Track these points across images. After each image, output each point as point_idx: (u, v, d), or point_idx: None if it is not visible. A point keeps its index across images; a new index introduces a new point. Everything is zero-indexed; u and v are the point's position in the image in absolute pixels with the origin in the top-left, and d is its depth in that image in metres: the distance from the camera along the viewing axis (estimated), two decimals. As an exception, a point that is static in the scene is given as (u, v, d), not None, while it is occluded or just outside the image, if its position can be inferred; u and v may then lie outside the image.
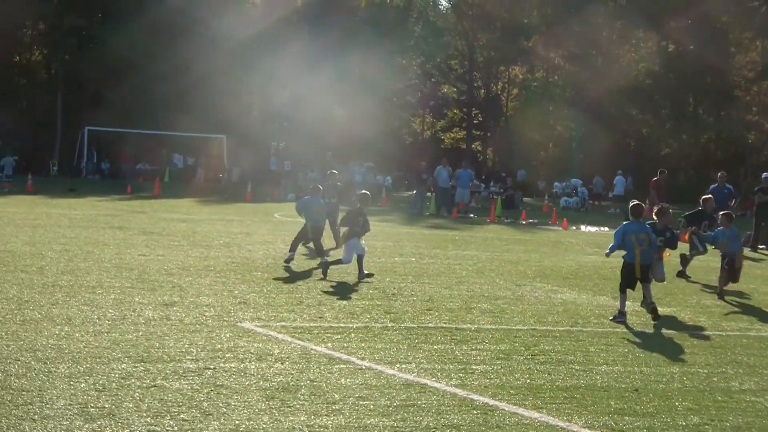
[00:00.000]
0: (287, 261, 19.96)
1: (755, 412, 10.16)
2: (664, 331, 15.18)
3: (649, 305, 14.77)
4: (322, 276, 18.14)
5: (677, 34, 69.11)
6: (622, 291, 14.79)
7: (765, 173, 33.56)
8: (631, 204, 15.97)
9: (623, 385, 11.08)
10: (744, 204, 40.65)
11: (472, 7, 76.74)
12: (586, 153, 69.00)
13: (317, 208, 20.09)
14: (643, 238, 14.50)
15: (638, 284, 14.63)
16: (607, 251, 15.70)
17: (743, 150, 71.20)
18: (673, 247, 16.84)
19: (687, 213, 21.97)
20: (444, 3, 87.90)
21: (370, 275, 18.04)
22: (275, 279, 18.59)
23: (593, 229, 39.08)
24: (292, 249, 19.99)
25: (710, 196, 21.85)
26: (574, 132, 72.77)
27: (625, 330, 15.00)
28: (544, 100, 74.00)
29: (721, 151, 72.96)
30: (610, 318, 14.77)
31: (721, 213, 18.31)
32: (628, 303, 14.87)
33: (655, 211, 17.10)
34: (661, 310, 15.45)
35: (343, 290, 17.54)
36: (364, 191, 20.59)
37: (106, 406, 9.04)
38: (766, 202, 28.62)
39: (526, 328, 14.65)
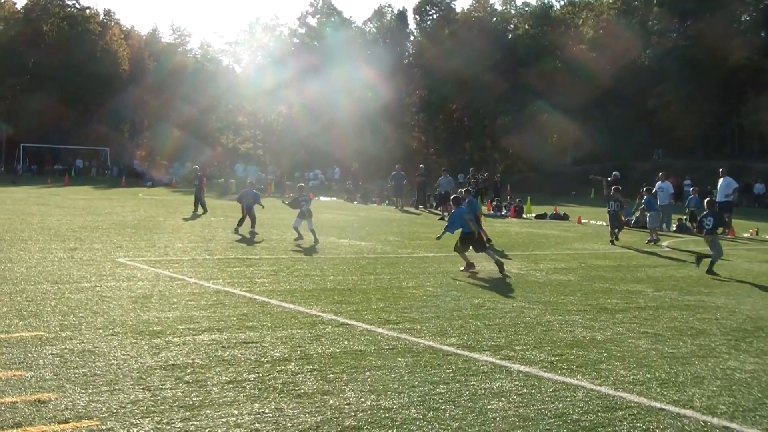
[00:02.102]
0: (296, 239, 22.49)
1: (415, 298, 13.38)
2: (363, 255, 19.53)
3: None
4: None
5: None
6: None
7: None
8: (452, 197, 19.77)
9: (342, 287, 14.36)
10: None
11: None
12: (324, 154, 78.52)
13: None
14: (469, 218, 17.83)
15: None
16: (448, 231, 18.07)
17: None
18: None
19: None
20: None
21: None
22: (138, 233, 23.11)
23: (327, 198, 49.33)
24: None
25: None
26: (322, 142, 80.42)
27: (342, 256, 19.25)
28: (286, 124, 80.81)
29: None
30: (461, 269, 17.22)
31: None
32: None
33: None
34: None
35: (179, 239, 21.95)
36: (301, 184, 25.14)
37: (33, 310, 11.04)
38: None
39: (287, 256, 18.71)
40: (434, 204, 43.07)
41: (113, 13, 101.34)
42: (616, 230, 26.24)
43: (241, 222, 24.56)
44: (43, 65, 77.64)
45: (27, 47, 79.48)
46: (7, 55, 78.38)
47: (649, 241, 26.27)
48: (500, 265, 17.36)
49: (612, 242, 25.71)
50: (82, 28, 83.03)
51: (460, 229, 17.84)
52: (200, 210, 30.74)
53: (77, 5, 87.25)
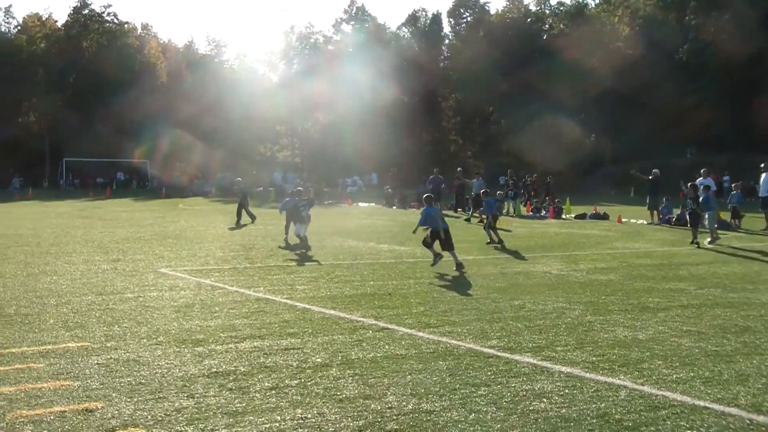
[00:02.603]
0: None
1: (455, 301, 13.29)
2: (403, 260, 19.67)
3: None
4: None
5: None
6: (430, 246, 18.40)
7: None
8: (425, 196, 20.15)
9: (382, 292, 14.37)
10: None
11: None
12: (362, 161, 77.60)
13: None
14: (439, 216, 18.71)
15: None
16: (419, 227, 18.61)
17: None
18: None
19: None
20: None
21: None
22: (179, 243, 23.39)
23: (365, 204, 49.54)
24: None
25: None
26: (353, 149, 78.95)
27: (382, 261, 19.34)
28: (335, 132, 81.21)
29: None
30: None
31: None
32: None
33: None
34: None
35: (219, 248, 22.20)
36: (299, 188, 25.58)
37: (79, 321, 11.21)
38: None
39: (327, 263, 18.80)
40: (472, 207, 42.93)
41: (151, 26, 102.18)
42: (701, 229, 25.16)
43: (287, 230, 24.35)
44: (84, 80, 78.72)
45: (68, 63, 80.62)
46: (48, 71, 79.58)
47: (710, 242, 24.87)
48: (459, 267, 17.82)
49: (696, 244, 24.36)
50: (120, 43, 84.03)
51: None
52: (247, 219, 30.75)
53: (116, 20, 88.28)
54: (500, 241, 23.66)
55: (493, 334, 10.75)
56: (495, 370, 8.84)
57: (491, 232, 24.16)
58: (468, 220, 34.71)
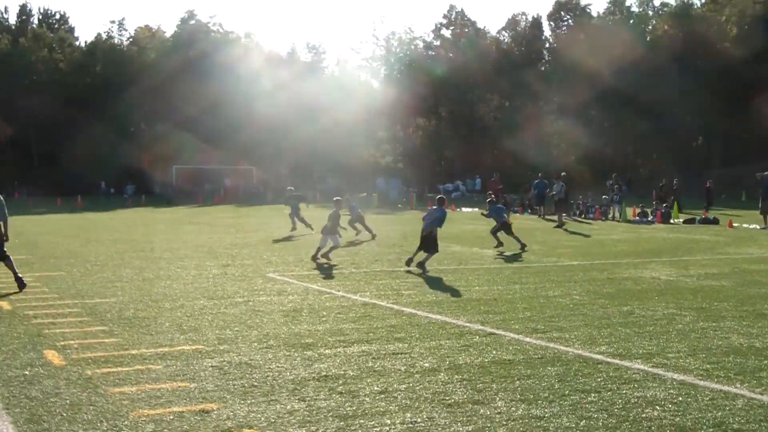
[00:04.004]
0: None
1: (562, 307, 13.23)
2: (508, 265, 19.74)
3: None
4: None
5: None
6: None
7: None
8: (438, 197, 20.69)
9: (488, 297, 14.34)
10: None
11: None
12: (464, 166, 79.60)
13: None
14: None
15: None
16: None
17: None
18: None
19: None
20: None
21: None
22: (286, 248, 23.99)
23: (469, 209, 49.58)
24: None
25: None
26: (455, 154, 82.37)
27: (486, 266, 19.35)
28: (435, 137, 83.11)
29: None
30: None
31: None
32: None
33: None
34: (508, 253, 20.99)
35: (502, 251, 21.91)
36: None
37: (193, 324, 11.54)
38: None
39: (431, 268, 18.60)
40: (577, 211, 42.52)
41: (253, 35, 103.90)
42: None
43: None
44: (191, 90, 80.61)
45: (176, 74, 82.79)
46: (157, 82, 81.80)
47: None
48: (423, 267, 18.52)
49: None
50: (225, 53, 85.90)
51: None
52: (297, 226, 29.94)
53: (220, 29, 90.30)
54: (500, 244, 24.00)
55: (602, 340, 10.59)
56: (605, 376, 8.70)
57: (496, 236, 24.38)
58: (559, 226, 34.02)
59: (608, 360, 9.50)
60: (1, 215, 15.25)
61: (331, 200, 23.63)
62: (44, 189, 70.16)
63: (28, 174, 74.59)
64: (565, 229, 32.23)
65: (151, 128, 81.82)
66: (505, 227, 23.85)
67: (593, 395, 8.00)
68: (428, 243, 18.88)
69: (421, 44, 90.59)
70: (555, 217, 36.14)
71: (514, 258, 21.27)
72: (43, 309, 13.05)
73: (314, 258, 20.14)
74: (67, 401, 7.70)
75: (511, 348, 10.15)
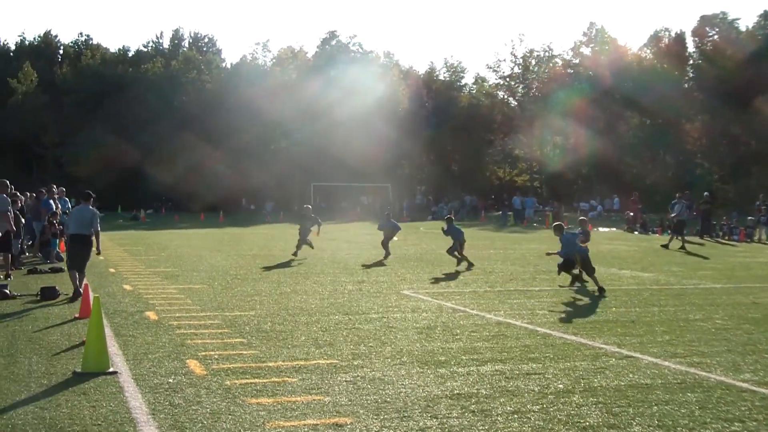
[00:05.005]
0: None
1: (703, 331, 12.86)
2: (647, 286, 19.15)
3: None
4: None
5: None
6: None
7: None
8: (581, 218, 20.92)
9: (625, 319, 14.12)
10: None
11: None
12: (601, 184, 75.22)
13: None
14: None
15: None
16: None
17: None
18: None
19: None
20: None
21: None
22: (420, 265, 24.11)
23: (606, 229, 48.75)
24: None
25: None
26: (593, 171, 79.13)
27: (624, 287, 18.89)
28: (572, 155, 78.34)
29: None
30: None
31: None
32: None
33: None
34: (647, 275, 20.67)
35: (460, 270, 22.71)
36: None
37: (328, 339, 11.72)
38: None
39: (567, 288, 18.55)
40: (720, 233, 41.03)
41: (392, 54, 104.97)
42: None
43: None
44: (333, 109, 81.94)
45: (316, 92, 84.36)
46: (297, 100, 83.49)
47: None
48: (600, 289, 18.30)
49: None
50: (363, 72, 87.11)
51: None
52: (305, 247, 28.14)
53: (360, 49, 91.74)
54: (461, 262, 23.91)
55: (747, 367, 10.17)
56: (750, 405, 8.35)
57: (455, 254, 24.14)
58: (666, 246, 32.77)
59: (753, 388, 9.09)
60: (94, 227, 16.11)
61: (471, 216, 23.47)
62: (188, 204, 72.83)
63: (174, 189, 77.33)
64: (688, 252, 30.97)
65: (291, 146, 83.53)
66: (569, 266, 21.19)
67: (737, 425, 7.69)
68: (588, 266, 18.68)
69: (560, 62, 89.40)
70: (669, 239, 34.58)
71: (653, 280, 20.61)
72: (186, 320, 13.53)
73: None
74: (208, 410, 7.96)
75: (648, 372, 9.85)
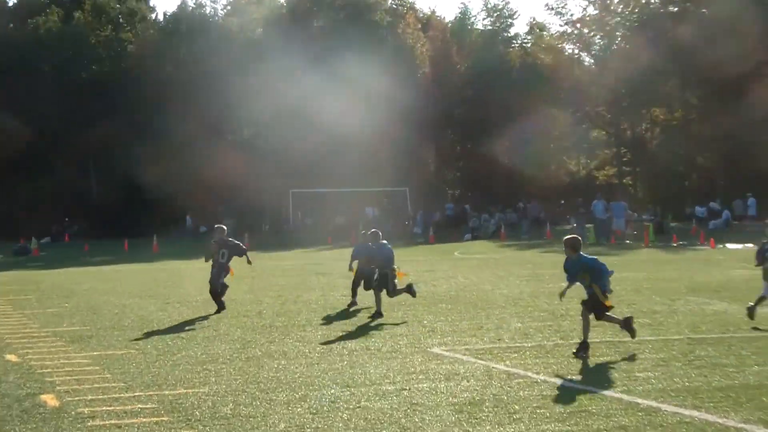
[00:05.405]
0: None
1: None
2: None
3: None
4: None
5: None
6: None
7: None
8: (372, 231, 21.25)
9: None
10: None
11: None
12: (727, 179, 79.25)
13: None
14: None
15: None
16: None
17: None
18: None
19: None
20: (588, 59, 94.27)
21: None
22: (457, 308, 23.96)
23: (738, 246, 49.78)
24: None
25: None
26: (714, 162, 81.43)
27: None
28: (683, 137, 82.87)
29: None
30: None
31: None
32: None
33: None
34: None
35: (517, 315, 22.56)
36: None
37: (320, 426, 11.54)
38: None
39: (681, 337, 18.52)
40: None
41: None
42: None
43: None
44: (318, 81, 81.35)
45: (295, 56, 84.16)
46: (265, 67, 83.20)
47: None
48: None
49: None
50: (366, 20, 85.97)
51: None
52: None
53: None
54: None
55: None
56: None
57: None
58: None
59: None
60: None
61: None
62: (105, 227, 72.74)
63: (83, 203, 77.38)
64: None
65: (257, 137, 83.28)
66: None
67: None
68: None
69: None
70: None
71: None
72: (103, 405, 13.41)
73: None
74: None
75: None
